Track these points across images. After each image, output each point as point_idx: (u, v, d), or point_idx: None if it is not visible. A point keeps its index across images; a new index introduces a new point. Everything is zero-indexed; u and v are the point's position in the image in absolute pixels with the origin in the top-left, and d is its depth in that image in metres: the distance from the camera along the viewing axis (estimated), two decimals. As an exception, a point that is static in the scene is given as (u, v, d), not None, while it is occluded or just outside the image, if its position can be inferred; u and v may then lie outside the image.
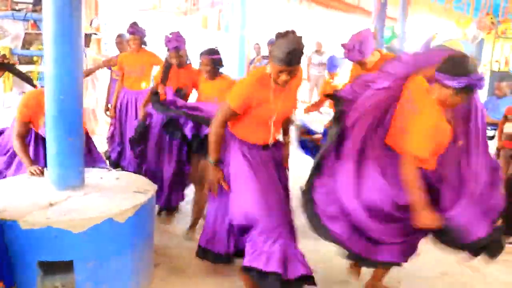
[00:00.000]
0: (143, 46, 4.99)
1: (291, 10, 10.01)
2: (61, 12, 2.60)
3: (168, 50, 4.20)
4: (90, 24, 6.48)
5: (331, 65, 6.77)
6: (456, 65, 2.32)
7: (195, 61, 4.31)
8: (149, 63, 5.05)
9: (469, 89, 2.33)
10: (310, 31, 10.90)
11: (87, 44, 5.01)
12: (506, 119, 4.65)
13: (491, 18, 8.66)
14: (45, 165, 2.99)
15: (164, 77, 4.19)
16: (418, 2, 6.98)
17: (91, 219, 2.44)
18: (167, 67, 4.25)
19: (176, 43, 4.16)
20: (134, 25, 4.89)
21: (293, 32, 2.43)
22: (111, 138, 5.15)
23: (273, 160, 2.76)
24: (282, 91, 2.57)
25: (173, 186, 4.12)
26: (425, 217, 2.41)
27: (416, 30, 9.64)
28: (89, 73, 5.49)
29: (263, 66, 2.67)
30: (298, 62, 2.43)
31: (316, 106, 4.77)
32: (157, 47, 5.43)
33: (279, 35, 2.42)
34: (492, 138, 5.08)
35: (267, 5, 9.53)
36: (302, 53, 2.44)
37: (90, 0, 6.86)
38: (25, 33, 5.37)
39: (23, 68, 5.39)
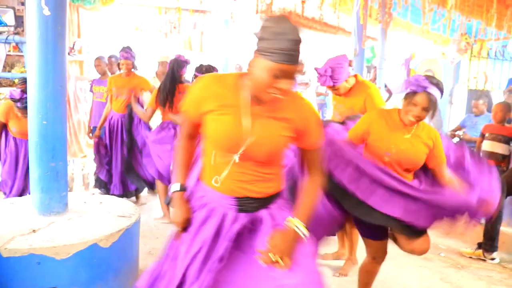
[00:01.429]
0: (133, 70, 5.03)
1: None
2: (45, 36, 2.61)
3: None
4: (73, 47, 6.47)
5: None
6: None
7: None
8: (138, 88, 5.07)
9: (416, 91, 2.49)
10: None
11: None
12: (483, 137, 4.75)
13: (466, 38, 8.92)
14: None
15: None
16: (397, 23, 7.16)
17: (74, 245, 2.41)
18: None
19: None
20: (127, 49, 4.97)
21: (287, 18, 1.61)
22: (98, 159, 5.13)
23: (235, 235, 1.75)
24: (265, 111, 1.69)
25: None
26: None
27: (396, 49, 9.84)
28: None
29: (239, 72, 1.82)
30: (297, 60, 1.59)
31: None
32: (142, 68, 5.48)
33: (270, 19, 1.59)
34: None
35: (248, 26, 9.65)
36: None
37: (73, 22, 6.86)
38: (7, 55, 5.34)
39: (3, 91, 5.34)
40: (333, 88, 3.43)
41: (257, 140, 1.68)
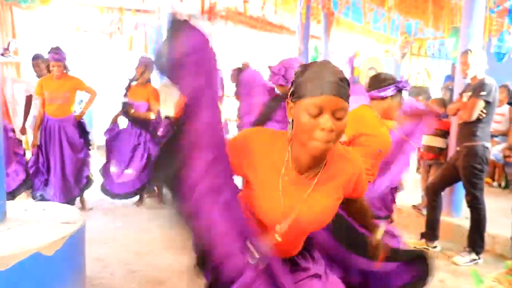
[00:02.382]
0: (65, 71, 4.83)
1: (217, 30, 10.13)
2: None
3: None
4: (7, 47, 6.16)
5: None
6: (381, 80, 2.78)
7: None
8: (73, 89, 4.90)
9: (400, 92, 2.79)
10: (236, 51, 11.08)
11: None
12: (423, 131, 4.97)
13: (406, 37, 9.31)
14: None
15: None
16: (340, 22, 7.35)
17: (15, 255, 2.29)
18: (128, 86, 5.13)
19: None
20: (57, 50, 4.74)
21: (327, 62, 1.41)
22: (34, 168, 4.89)
23: None
24: (309, 184, 1.46)
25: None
26: None
27: (339, 48, 10.09)
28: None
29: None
30: (347, 96, 1.34)
31: None
32: (81, 69, 5.32)
33: (309, 64, 1.41)
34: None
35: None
36: (348, 85, 1.36)
37: (6, 22, 6.53)
38: None
39: None
40: (282, 87, 3.51)
41: (306, 216, 1.46)
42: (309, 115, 1.31)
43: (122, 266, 3.62)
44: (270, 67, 3.51)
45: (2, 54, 6.02)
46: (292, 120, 1.39)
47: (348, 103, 1.35)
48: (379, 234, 1.73)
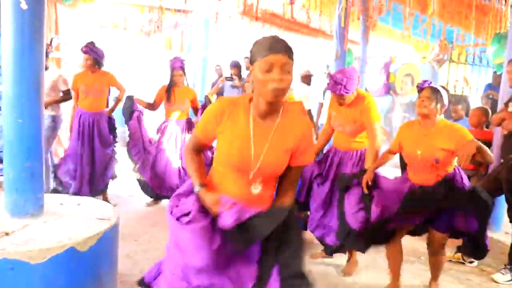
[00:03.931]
0: (97, 66, 4.93)
1: (253, 33, 10.13)
2: (21, 30, 2.51)
3: (174, 70, 4.98)
4: (50, 43, 6.31)
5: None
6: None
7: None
8: (106, 84, 5.01)
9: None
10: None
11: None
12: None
13: (445, 44, 9.06)
14: None
15: (168, 95, 5.02)
16: (378, 28, 7.22)
17: (50, 249, 2.31)
18: (169, 86, 5.05)
19: (180, 64, 4.99)
20: (89, 44, 4.87)
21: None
22: (64, 160, 4.99)
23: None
24: (268, 126, 1.86)
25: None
26: None
27: (377, 53, 9.93)
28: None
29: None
30: (289, 52, 1.74)
31: None
32: (118, 66, 5.40)
33: (257, 40, 1.84)
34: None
35: (228, 28, 9.60)
36: (290, 48, 1.77)
37: (51, 19, 6.70)
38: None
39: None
40: (340, 97, 3.51)
41: (269, 159, 1.84)
42: (263, 72, 1.71)
43: (152, 264, 3.61)
44: (331, 75, 3.49)
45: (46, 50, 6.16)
46: (253, 81, 1.79)
47: (293, 60, 1.74)
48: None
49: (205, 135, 1.97)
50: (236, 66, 8.15)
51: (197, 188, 1.95)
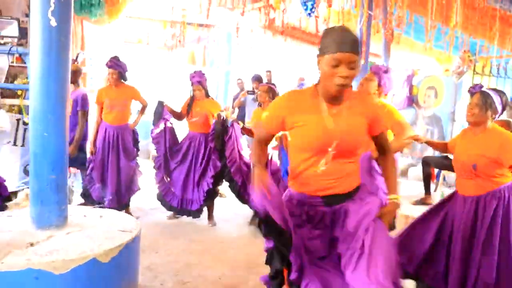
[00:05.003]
0: (122, 80, 5.04)
1: (275, 46, 10.19)
2: (48, 47, 2.60)
3: (192, 84, 5.03)
4: (76, 59, 6.47)
5: None
6: None
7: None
8: (130, 98, 5.11)
9: None
10: (293, 67, 11.08)
11: (75, 79, 5.00)
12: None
13: (469, 56, 8.93)
14: None
15: (188, 109, 5.07)
16: (400, 41, 7.19)
17: (73, 260, 2.36)
18: (191, 100, 5.09)
19: (199, 78, 4.99)
20: (113, 59, 4.98)
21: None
22: (90, 175, 5.07)
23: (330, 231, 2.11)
24: (342, 109, 2.02)
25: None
26: None
27: (399, 66, 9.85)
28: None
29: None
30: (357, 50, 1.89)
31: None
32: (142, 80, 5.49)
33: (327, 29, 1.99)
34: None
35: (250, 42, 9.68)
36: (357, 43, 1.92)
37: (76, 35, 6.88)
38: (10, 66, 5.34)
39: (6, 102, 5.32)
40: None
41: (343, 137, 1.98)
42: (330, 66, 1.88)
43: (173, 276, 3.64)
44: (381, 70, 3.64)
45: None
46: (319, 71, 1.96)
47: (359, 54, 1.90)
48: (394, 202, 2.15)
49: (273, 127, 2.14)
50: (257, 79, 8.19)
51: (255, 164, 2.14)
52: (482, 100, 2.84)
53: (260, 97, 4.88)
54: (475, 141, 2.90)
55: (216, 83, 10.69)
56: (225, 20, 8.95)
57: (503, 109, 2.90)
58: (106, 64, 4.96)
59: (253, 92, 8.08)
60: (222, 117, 4.85)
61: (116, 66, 4.93)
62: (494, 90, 2.93)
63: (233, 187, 4.96)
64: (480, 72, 8.81)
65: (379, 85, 3.53)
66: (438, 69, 10.41)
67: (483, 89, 2.92)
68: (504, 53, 8.22)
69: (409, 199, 5.24)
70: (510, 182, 2.87)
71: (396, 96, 9.38)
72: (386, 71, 3.59)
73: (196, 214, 5.08)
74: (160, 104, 5.13)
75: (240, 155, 4.87)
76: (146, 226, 4.89)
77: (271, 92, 4.81)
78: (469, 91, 3.00)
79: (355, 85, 4.00)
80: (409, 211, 4.75)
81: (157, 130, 5.17)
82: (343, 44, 1.85)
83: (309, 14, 5.33)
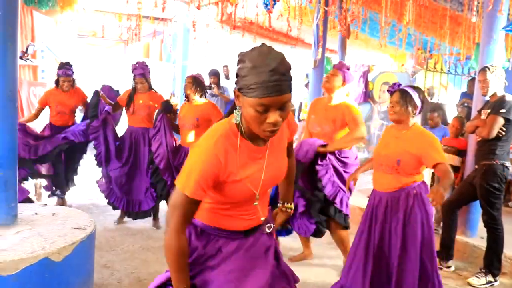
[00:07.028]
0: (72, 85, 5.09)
1: (232, 41, 10.16)
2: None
3: (135, 77, 4.71)
4: (26, 51, 6.21)
5: None
6: None
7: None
8: (80, 102, 5.23)
9: None
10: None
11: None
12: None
13: (422, 52, 9.23)
14: None
15: (129, 102, 4.72)
16: (356, 37, 7.32)
17: (23, 259, 2.26)
18: (132, 93, 4.75)
19: (141, 71, 4.67)
20: (67, 65, 5.01)
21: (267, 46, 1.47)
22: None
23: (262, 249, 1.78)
24: (263, 146, 1.63)
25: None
26: None
27: (355, 62, 10.05)
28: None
29: (225, 121, 1.62)
30: (290, 85, 1.44)
31: None
32: (95, 74, 5.38)
33: (245, 54, 1.46)
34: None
35: (208, 36, 9.61)
36: (290, 74, 1.45)
37: (26, 25, 6.59)
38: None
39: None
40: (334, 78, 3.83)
41: (272, 174, 1.67)
42: (256, 112, 1.41)
43: (130, 274, 3.58)
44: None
45: (21, 57, 6.06)
46: (240, 107, 1.49)
47: (291, 91, 1.44)
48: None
49: (204, 190, 1.52)
50: (215, 74, 8.14)
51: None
52: (402, 97, 2.95)
53: (185, 89, 4.53)
54: (400, 137, 2.99)
55: (173, 77, 10.54)
56: (182, 14, 8.84)
57: (422, 104, 3.00)
58: (63, 73, 4.96)
59: (210, 87, 8.03)
60: (168, 101, 4.64)
61: (72, 74, 5.01)
62: (412, 87, 3.04)
63: (161, 188, 4.59)
64: (432, 69, 9.12)
65: (344, 80, 3.81)
66: (393, 65, 10.70)
67: (401, 87, 3.03)
68: (454, 50, 8.53)
69: (366, 192, 5.36)
70: (422, 181, 3.03)
71: (353, 91, 9.58)
72: (348, 68, 3.90)
73: (146, 214, 4.84)
74: (96, 94, 4.78)
75: (169, 152, 4.51)
76: (102, 223, 4.79)
77: (196, 83, 4.46)
78: (388, 90, 3.10)
79: (319, 82, 4.05)
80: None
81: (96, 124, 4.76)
82: (273, 86, 1.37)
83: (267, 7, 5.30)
